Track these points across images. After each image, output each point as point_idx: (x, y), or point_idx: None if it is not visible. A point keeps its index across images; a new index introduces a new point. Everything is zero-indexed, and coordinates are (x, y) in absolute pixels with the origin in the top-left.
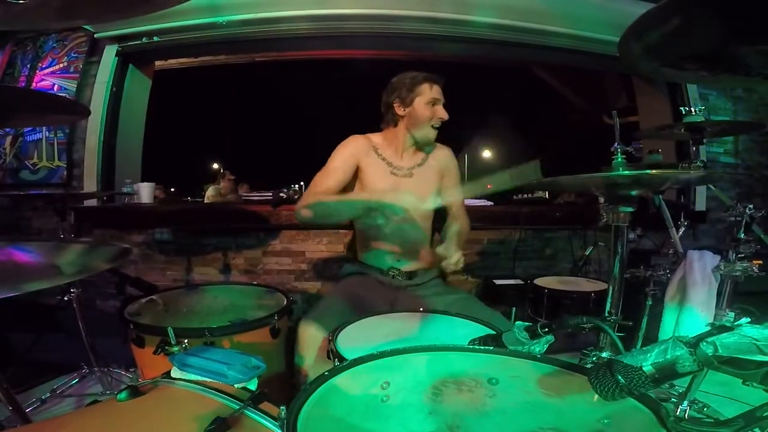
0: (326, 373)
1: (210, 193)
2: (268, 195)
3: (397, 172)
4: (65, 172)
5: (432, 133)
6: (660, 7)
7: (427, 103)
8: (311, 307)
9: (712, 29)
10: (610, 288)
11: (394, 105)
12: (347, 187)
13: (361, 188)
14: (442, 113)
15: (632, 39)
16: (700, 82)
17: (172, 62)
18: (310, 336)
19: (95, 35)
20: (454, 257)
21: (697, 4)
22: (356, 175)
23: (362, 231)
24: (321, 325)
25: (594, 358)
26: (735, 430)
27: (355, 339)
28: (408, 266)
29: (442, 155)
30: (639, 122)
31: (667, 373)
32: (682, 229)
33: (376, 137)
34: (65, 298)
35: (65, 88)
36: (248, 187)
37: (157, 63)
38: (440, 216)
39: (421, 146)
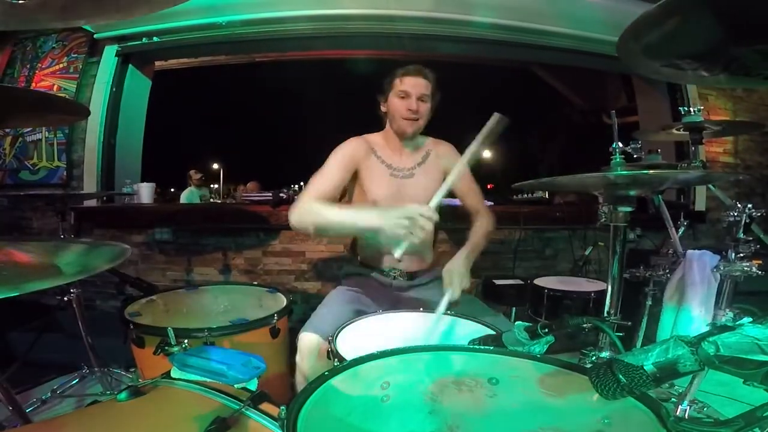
0: (326, 373)
1: (185, 199)
2: (268, 195)
3: (397, 174)
4: (65, 173)
5: (406, 126)
6: (659, 7)
7: (397, 97)
8: (311, 316)
9: (711, 29)
10: (609, 288)
11: (380, 103)
12: (344, 190)
13: (360, 192)
14: (411, 105)
15: (631, 39)
16: (700, 83)
17: (172, 62)
18: (311, 346)
19: (95, 35)
20: (455, 292)
21: (696, 5)
22: (355, 177)
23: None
24: (321, 337)
25: (593, 358)
26: (735, 430)
27: (355, 339)
28: (409, 267)
29: (444, 151)
30: (639, 122)
31: (668, 372)
32: (681, 229)
33: (375, 137)
34: (65, 298)
35: (65, 88)
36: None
37: (157, 63)
38: (442, 215)
39: (409, 143)
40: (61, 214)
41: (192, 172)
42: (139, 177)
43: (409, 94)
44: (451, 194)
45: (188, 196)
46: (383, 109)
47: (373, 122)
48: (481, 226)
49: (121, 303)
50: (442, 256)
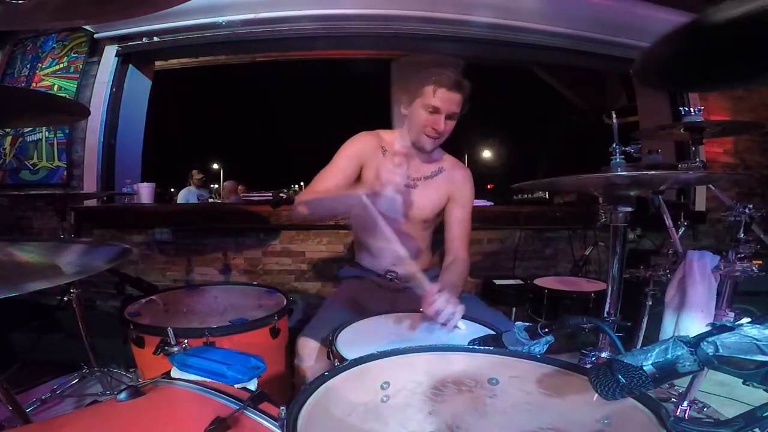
0: (326, 373)
1: (183, 198)
2: (268, 195)
3: None
4: (65, 173)
5: (426, 142)
6: (675, 31)
7: (424, 109)
8: (310, 321)
9: (734, 58)
10: (609, 288)
11: (400, 103)
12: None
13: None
14: (437, 124)
15: (648, 60)
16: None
17: (172, 62)
18: (310, 351)
19: (95, 35)
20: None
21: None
22: (361, 172)
23: (359, 234)
24: (320, 342)
25: (593, 358)
26: (735, 430)
27: (355, 339)
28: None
29: (459, 176)
30: (639, 122)
31: (667, 372)
32: (681, 230)
33: (389, 135)
34: (65, 298)
35: (65, 88)
36: (245, 187)
37: (157, 63)
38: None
39: (424, 154)
40: (61, 214)
41: (194, 171)
42: (139, 177)
43: (438, 111)
44: (445, 216)
45: (185, 195)
46: (404, 111)
47: (374, 122)
48: (461, 270)
49: (121, 303)
50: (438, 257)
